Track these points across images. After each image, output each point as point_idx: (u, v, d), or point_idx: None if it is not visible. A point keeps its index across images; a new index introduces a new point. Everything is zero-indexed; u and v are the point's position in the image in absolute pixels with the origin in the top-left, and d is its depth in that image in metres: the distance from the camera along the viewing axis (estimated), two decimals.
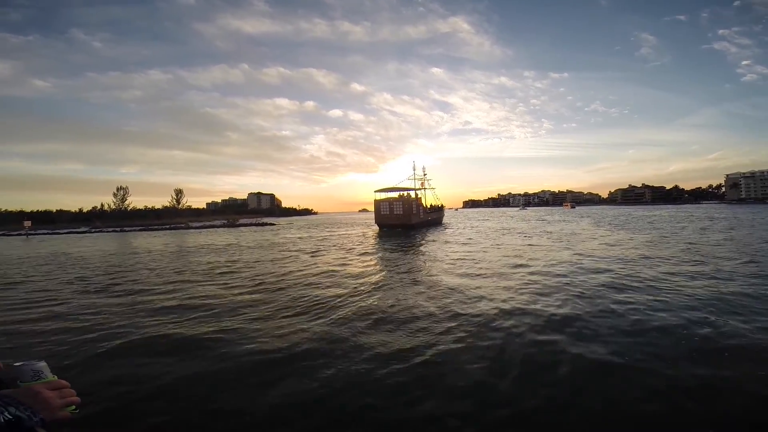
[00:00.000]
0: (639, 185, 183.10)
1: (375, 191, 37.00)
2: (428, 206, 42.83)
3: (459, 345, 5.08)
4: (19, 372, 0.86)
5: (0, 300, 8.89)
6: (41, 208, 79.90)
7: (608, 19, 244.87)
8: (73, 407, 0.86)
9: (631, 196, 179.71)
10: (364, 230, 36.71)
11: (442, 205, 50.04)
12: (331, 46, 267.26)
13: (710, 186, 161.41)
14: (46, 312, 7.60)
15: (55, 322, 6.78)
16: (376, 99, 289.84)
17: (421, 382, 4.08)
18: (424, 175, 45.83)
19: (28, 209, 75.57)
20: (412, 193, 37.67)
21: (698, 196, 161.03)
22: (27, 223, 51.82)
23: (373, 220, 37.11)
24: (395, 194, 36.19)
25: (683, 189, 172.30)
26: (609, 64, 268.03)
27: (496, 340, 5.23)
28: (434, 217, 43.13)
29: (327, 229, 40.40)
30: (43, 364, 0.89)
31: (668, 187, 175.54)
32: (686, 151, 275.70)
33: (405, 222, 33.58)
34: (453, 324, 5.95)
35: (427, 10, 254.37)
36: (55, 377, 0.89)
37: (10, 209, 73.12)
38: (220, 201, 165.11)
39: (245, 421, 3.47)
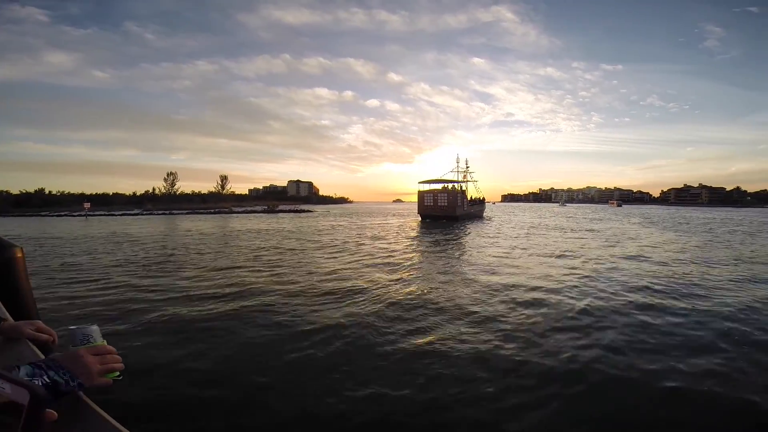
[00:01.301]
0: (695, 185, 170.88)
1: (419, 182, 37.75)
2: (470, 198, 42.83)
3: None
4: (72, 335, 0.85)
5: (61, 275, 9.21)
6: (99, 191, 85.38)
7: (670, 8, 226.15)
8: (117, 374, 0.83)
9: (685, 196, 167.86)
10: (404, 220, 36.67)
11: (483, 198, 49.82)
12: (368, 36, 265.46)
13: None
14: (92, 288, 7.84)
15: (101, 298, 7.01)
16: (413, 89, 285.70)
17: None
18: (467, 167, 45.72)
19: (87, 192, 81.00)
20: (456, 185, 38.03)
21: (763, 199, 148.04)
22: (86, 205, 55.20)
23: (409, 211, 37.19)
24: (439, 186, 36.65)
25: (745, 191, 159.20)
26: (669, 57, 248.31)
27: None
28: (476, 209, 43.22)
29: (365, 219, 40.27)
30: (94, 327, 0.88)
31: (729, 188, 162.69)
32: (752, 150, 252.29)
33: (450, 213, 34.03)
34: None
35: None
36: (104, 342, 0.87)
37: (72, 191, 78.66)
38: (261, 188, 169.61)
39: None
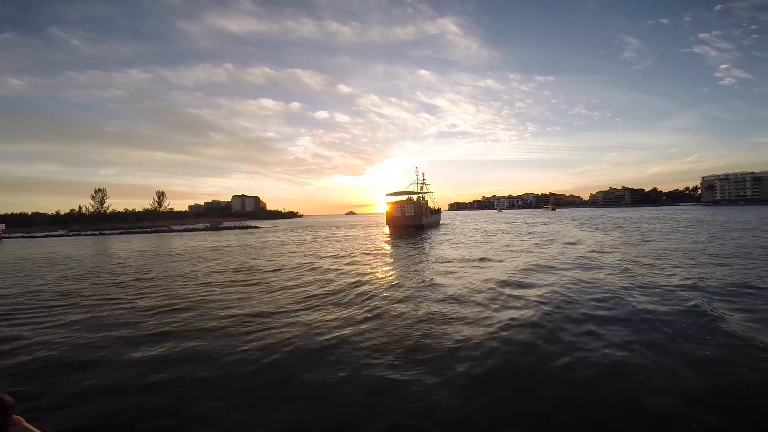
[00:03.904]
0: (619, 188, 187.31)
1: (386, 194, 39.55)
2: (429, 209, 43.97)
3: None
4: None
5: None
6: (16, 210, 75.99)
7: (594, 22, 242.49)
8: None
9: (611, 198, 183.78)
10: (369, 231, 36.96)
11: (439, 208, 51.59)
12: (318, 47, 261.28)
13: (687, 188, 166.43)
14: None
15: None
16: (363, 101, 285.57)
17: None
18: (424, 180, 47.28)
19: (1, 212, 71.67)
20: (419, 197, 40.07)
21: (676, 198, 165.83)
22: (0, 226, 48.95)
23: (365, 223, 37.44)
24: (403, 197, 38.33)
25: (661, 191, 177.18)
26: (593, 68, 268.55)
27: None
28: (435, 218, 45.01)
29: (324, 231, 39.52)
30: None
31: (647, 189, 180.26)
32: (665, 154, 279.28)
33: (416, 223, 35.77)
34: None
35: (416, 11, 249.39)
36: None
37: None
38: (203, 203, 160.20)
39: None
